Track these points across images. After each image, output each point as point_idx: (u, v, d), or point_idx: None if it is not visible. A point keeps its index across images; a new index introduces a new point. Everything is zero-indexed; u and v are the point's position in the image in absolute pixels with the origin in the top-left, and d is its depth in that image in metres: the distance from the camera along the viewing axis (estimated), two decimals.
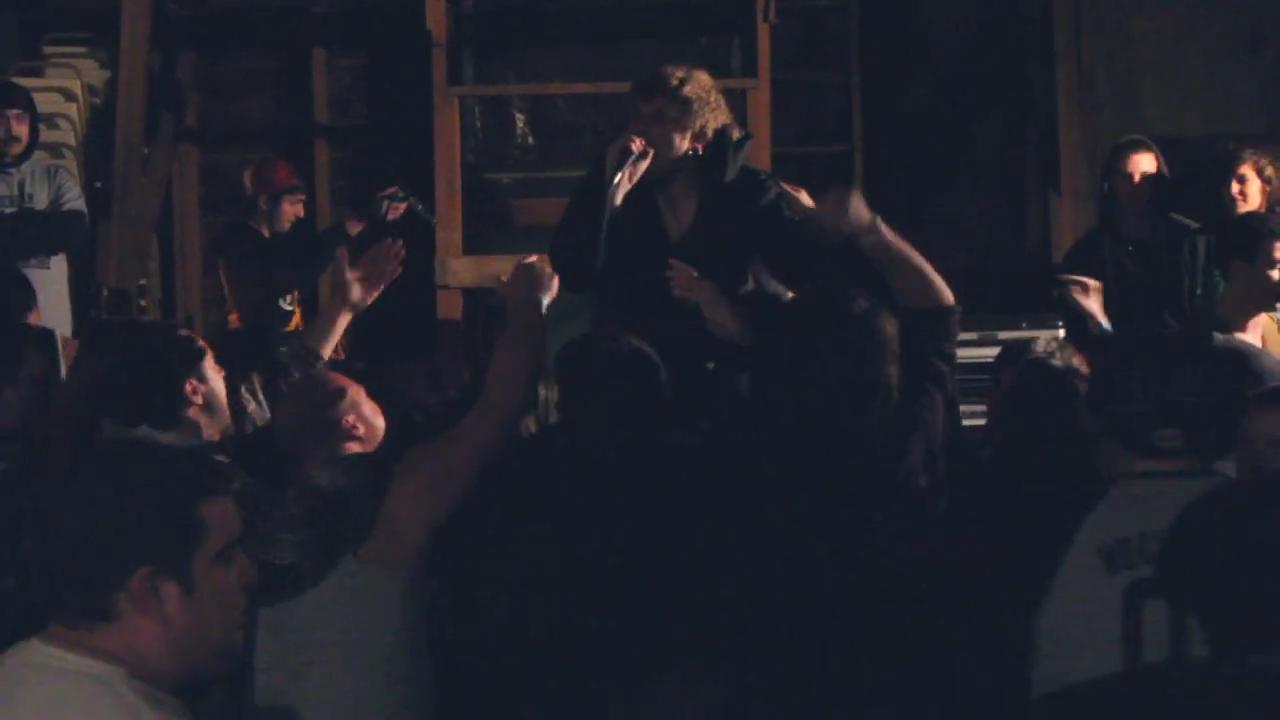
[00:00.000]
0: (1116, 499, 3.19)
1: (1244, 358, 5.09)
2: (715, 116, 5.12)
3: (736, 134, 5.22)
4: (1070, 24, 8.52)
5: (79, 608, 2.26)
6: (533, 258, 4.30)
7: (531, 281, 3.89)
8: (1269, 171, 6.52)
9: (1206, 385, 3.40)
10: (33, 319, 5.95)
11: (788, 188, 5.16)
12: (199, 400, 4.10)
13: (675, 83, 5.06)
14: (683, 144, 5.07)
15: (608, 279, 5.06)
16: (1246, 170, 6.46)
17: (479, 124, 9.22)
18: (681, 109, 5.04)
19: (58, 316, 7.15)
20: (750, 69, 8.54)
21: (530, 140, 9.32)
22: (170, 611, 2.26)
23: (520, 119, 9.31)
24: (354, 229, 7.53)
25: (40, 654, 2.29)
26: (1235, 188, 6.42)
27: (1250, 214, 6.26)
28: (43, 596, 2.29)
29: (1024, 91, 9.20)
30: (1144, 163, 6.63)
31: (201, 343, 4.38)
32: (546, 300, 3.85)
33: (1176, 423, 3.27)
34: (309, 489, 3.63)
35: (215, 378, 4.19)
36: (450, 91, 8.41)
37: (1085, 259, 6.66)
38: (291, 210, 7.86)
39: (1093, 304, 6.17)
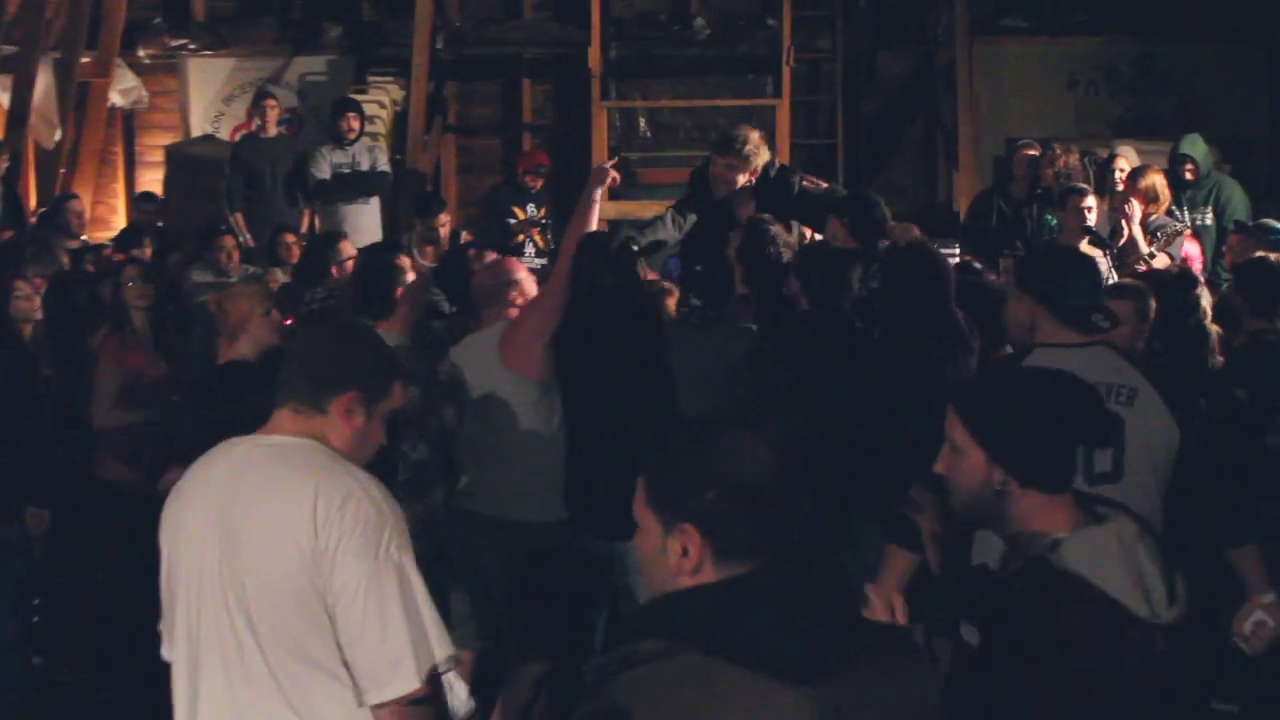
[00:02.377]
0: (1038, 359, 3.41)
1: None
2: (761, 158, 5.79)
3: (776, 165, 5.92)
4: (966, 68, 10.25)
5: (307, 396, 2.62)
6: (605, 163, 5.16)
7: (595, 177, 4.55)
8: (1060, 162, 8.01)
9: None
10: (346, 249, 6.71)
11: (807, 177, 6.09)
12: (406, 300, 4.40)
13: (739, 145, 5.70)
14: (743, 179, 5.83)
15: (700, 239, 5.73)
16: (1047, 159, 8.07)
17: (618, 123, 11.02)
18: (744, 160, 5.75)
19: (374, 235, 8.67)
20: (778, 93, 10.43)
21: (649, 134, 11.17)
22: (354, 426, 2.63)
23: (642, 121, 11.20)
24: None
25: (261, 440, 2.65)
26: (1045, 168, 8.03)
27: (1071, 185, 7.42)
28: (293, 384, 2.64)
29: (936, 107, 10.84)
30: (1030, 151, 8.30)
31: (406, 260, 4.73)
32: (599, 191, 4.40)
33: (1103, 311, 3.60)
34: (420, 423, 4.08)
35: (417, 285, 4.48)
36: (602, 104, 10.45)
37: (981, 208, 8.21)
38: (534, 181, 9.31)
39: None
